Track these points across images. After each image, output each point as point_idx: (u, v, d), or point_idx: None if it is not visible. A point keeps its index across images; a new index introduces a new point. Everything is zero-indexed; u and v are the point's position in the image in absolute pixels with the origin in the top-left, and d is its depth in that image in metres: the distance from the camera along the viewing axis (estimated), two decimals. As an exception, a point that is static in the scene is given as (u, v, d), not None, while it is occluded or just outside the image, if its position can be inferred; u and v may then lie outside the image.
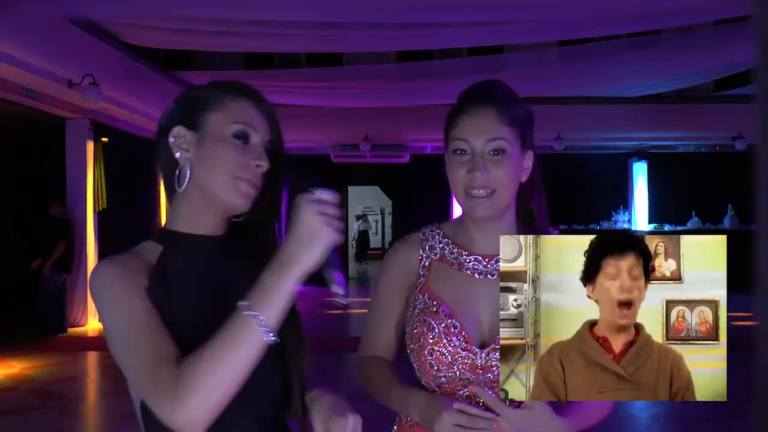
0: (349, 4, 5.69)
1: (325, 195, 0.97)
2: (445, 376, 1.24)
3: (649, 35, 8.07)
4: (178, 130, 1.10)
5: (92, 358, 6.84)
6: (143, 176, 9.49)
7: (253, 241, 1.17)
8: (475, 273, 1.29)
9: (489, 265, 1.28)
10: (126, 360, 0.98)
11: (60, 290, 7.84)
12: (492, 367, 1.21)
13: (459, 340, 1.23)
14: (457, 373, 1.23)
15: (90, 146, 8.16)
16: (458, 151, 1.24)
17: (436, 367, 1.24)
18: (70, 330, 7.94)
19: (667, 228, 11.85)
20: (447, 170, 1.27)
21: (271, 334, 0.93)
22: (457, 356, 1.23)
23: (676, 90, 10.20)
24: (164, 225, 1.15)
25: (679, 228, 11.83)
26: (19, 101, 6.87)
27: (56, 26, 6.01)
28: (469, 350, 1.22)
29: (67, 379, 5.94)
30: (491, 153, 1.21)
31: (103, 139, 8.24)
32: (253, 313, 0.93)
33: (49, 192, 8.66)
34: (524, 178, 1.28)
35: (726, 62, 8.22)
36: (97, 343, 7.43)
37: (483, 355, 1.22)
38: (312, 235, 0.94)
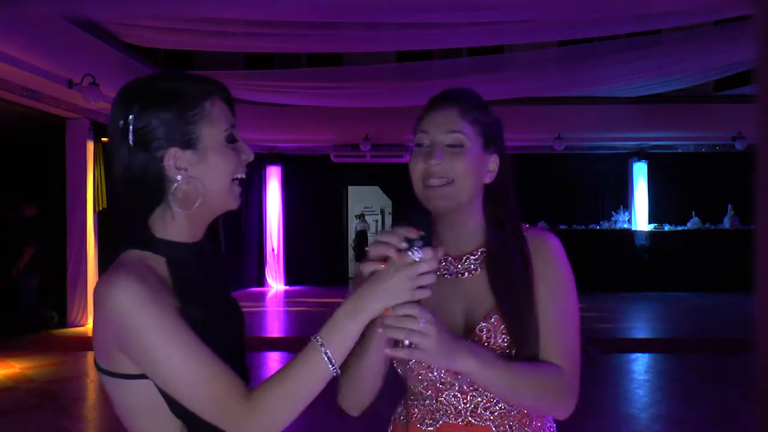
0: (349, 4, 5.69)
1: (427, 254, 1.01)
2: (425, 380, 1.24)
3: (649, 35, 8.07)
4: (174, 152, 1.07)
5: (92, 358, 6.83)
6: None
7: (217, 242, 1.23)
8: (446, 274, 1.29)
9: (459, 266, 1.28)
10: (188, 388, 1.01)
11: (34, 292, 7.85)
12: None
13: None
14: (437, 376, 1.23)
15: (90, 146, 8.16)
16: (420, 145, 1.26)
17: (416, 372, 1.24)
18: (70, 330, 7.94)
19: (667, 228, 11.85)
20: (409, 165, 1.29)
21: (336, 369, 1.02)
22: None
23: (676, 90, 10.20)
24: (157, 235, 1.11)
25: (679, 228, 11.83)
26: (19, 101, 6.86)
27: (56, 26, 6.01)
28: None
29: (67, 379, 5.94)
30: (450, 146, 1.23)
31: (103, 139, 8.24)
32: (324, 350, 1.01)
33: (49, 192, 8.64)
34: (488, 180, 1.28)
35: (726, 62, 8.22)
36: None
37: None
38: (395, 295, 1.01)
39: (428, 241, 1.02)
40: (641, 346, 7.38)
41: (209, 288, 1.14)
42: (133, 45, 7.31)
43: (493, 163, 1.28)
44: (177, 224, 1.11)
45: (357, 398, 1.23)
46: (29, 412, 4.92)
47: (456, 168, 1.21)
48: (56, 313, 8.10)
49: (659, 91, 9.95)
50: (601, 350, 6.93)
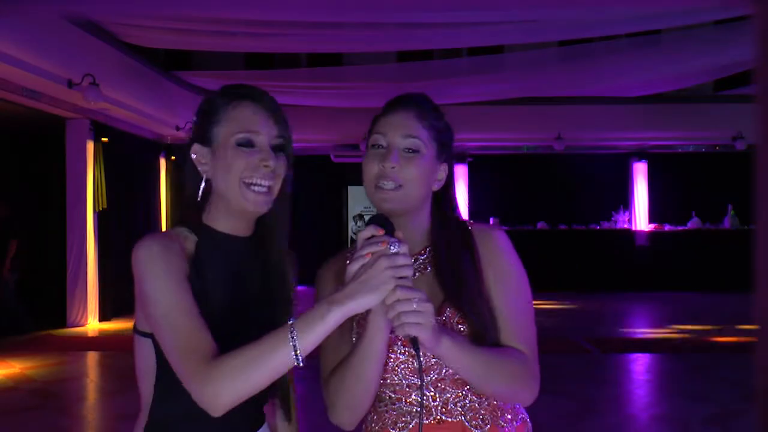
0: (349, 4, 5.69)
1: (403, 248, 1.03)
2: (391, 383, 1.25)
3: (649, 35, 8.08)
4: (196, 147, 1.23)
5: (92, 358, 6.83)
6: (143, 176, 9.48)
7: (269, 241, 1.28)
8: None
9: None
10: (166, 333, 1.09)
11: (12, 292, 7.78)
12: (433, 365, 1.22)
13: (398, 345, 1.22)
14: (402, 378, 1.23)
15: (90, 146, 8.15)
16: (376, 146, 1.28)
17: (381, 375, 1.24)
18: (70, 330, 7.94)
19: (667, 228, 11.84)
20: (363, 166, 1.29)
21: (301, 359, 1.02)
22: (398, 362, 1.23)
23: (676, 90, 10.21)
24: (201, 218, 1.25)
25: (680, 228, 11.83)
26: (19, 101, 6.86)
27: (56, 26, 6.02)
28: (408, 354, 1.22)
29: (67, 379, 5.93)
30: (406, 150, 1.25)
31: (103, 139, 8.23)
32: (293, 336, 1.01)
33: (50, 192, 8.65)
34: (436, 187, 1.32)
35: (726, 62, 8.22)
36: (97, 343, 7.43)
37: (422, 357, 1.19)
38: (375, 286, 1.01)
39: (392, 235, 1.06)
40: (641, 346, 7.38)
41: (239, 281, 1.23)
42: (133, 45, 7.31)
43: (442, 171, 1.33)
44: (211, 213, 1.24)
45: (352, 413, 1.21)
46: (29, 412, 4.92)
47: (409, 173, 1.24)
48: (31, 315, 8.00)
49: (659, 91, 9.96)
50: (601, 350, 6.94)
